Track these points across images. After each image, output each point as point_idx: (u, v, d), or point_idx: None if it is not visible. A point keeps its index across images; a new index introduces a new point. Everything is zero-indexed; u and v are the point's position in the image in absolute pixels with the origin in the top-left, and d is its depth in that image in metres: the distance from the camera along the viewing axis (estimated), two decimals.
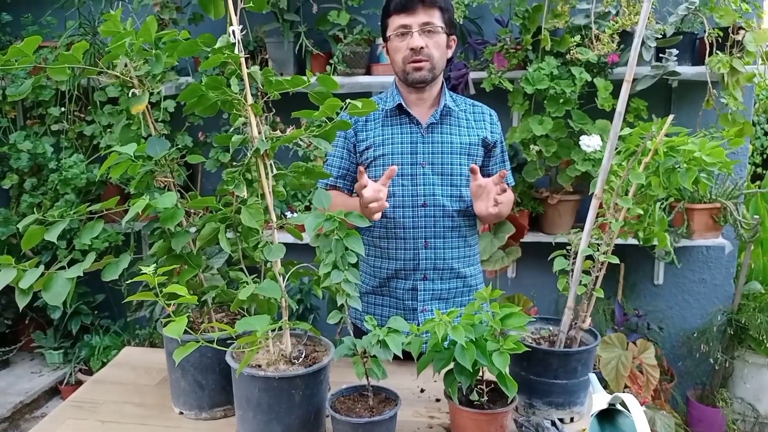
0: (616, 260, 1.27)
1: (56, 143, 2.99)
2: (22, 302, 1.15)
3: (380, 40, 2.75)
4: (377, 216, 1.51)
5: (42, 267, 1.14)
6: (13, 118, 3.13)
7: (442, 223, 1.72)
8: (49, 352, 3.31)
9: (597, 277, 1.28)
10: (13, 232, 3.01)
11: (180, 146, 2.93)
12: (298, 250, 2.09)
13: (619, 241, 1.35)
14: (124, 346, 3.16)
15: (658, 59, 2.45)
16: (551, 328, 1.41)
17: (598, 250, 1.29)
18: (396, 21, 1.66)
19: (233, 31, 1.22)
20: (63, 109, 2.94)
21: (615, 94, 2.50)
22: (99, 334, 3.22)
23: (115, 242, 2.97)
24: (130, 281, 0.96)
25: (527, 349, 1.15)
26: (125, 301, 1.07)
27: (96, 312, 3.31)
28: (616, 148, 1.32)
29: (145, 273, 0.89)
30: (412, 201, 1.71)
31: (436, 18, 1.64)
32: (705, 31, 2.41)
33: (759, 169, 4.13)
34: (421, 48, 1.64)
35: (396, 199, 1.72)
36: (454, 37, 1.73)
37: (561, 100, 2.43)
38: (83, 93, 2.99)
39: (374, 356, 1.12)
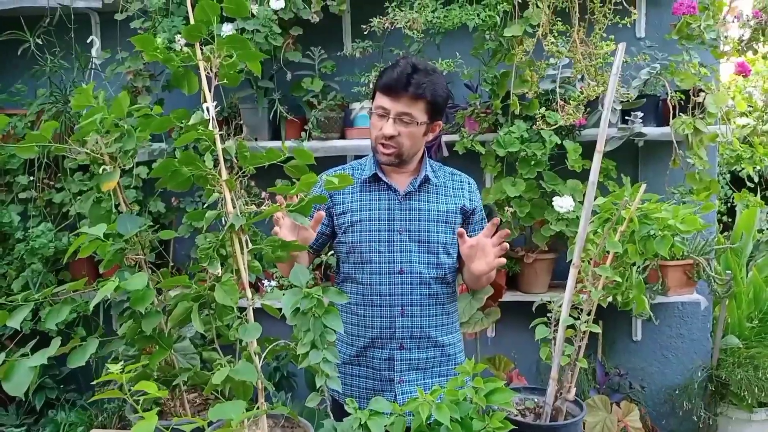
0: (598, 329, 1.26)
1: (24, 211, 2.92)
2: None
3: (354, 105, 2.80)
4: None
5: (2, 355, 1.08)
6: None
7: (419, 290, 1.70)
8: (10, 430, 3.13)
9: (580, 346, 1.27)
10: None
11: (153, 212, 2.89)
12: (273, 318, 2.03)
13: None
14: (92, 422, 3.01)
15: (624, 121, 2.53)
16: (536, 399, 1.38)
17: (578, 318, 1.29)
18: (379, 100, 1.64)
19: (207, 108, 1.22)
20: (32, 177, 2.89)
21: (584, 155, 2.55)
22: (65, 410, 3.06)
23: (84, 311, 2.87)
24: (98, 381, 0.90)
25: (514, 427, 1.12)
26: (91, 400, 1.01)
27: (62, 386, 3.16)
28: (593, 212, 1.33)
29: (113, 372, 0.85)
30: (389, 267, 1.69)
31: (417, 110, 1.62)
32: (667, 94, 2.50)
33: (725, 218, 4.22)
34: (392, 136, 1.63)
35: (372, 266, 1.70)
36: (439, 122, 1.72)
37: (532, 162, 2.47)
38: (53, 160, 2.94)
39: None
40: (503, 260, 1.57)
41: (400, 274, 1.69)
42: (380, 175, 1.71)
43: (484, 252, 1.57)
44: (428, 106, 1.63)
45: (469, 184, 1.80)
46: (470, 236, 1.75)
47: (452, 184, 1.78)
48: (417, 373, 1.73)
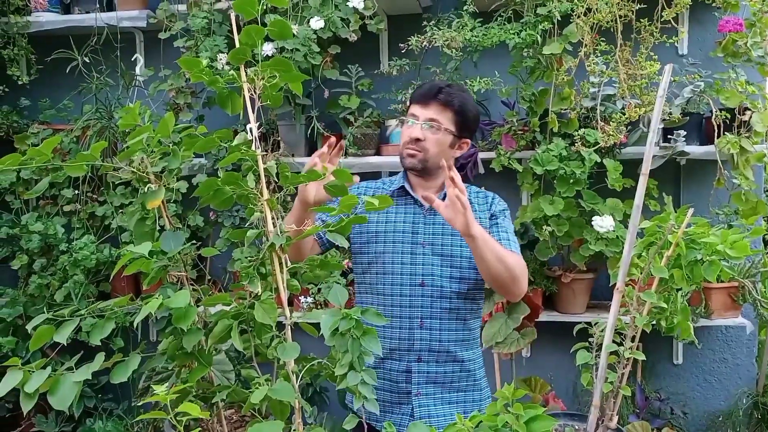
0: (642, 357, 1.22)
1: (68, 223, 3.00)
2: (26, 406, 1.11)
3: (390, 122, 2.81)
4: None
5: (48, 369, 1.11)
6: (26, 198, 3.16)
7: (440, 303, 1.71)
8: None
9: (623, 374, 1.24)
10: (20, 313, 2.97)
11: (191, 225, 2.93)
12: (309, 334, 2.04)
13: None
14: (128, 431, 3.05)
15: (666, 139, 2.48)
16: (576, 426, 1.35)
17: (621, 343, 1.26)
18: (411, 109, 1.75)
19: (251, 129, 1.24)
20: (76, 191, 2.97)
21: (624, 173, 2.50)
22: (102, 419, 3.12)
23: (122, 323, 2.92)
24: (142, 401, 0.92)
25: None
26: (136, 419, 1.03)
27: (99, 395, 3.22)
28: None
29: (158, 394, 0.86)
30: (410, 279, 1.72)
31: (445, 118, 1.70)
32: (711, 112, 2.44)
33: (766, 235, 4.08)
34: (418, 139, 1.70)
35: (394, 277, 1.73)
36: (467, 140, 1.77)
37: (571, 181, 2.43)
38: (97, 174, 3.02)
39: None
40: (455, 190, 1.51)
41: (421, 286, 1.71)
42: (407, 188, 1.77)
43: (454, 204, 1.51)
44: (456, 117, 1.71)
45: (493, 198, 1.83)
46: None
47: (477, 200, 1.80)
48: (435, 386, 1.73)
